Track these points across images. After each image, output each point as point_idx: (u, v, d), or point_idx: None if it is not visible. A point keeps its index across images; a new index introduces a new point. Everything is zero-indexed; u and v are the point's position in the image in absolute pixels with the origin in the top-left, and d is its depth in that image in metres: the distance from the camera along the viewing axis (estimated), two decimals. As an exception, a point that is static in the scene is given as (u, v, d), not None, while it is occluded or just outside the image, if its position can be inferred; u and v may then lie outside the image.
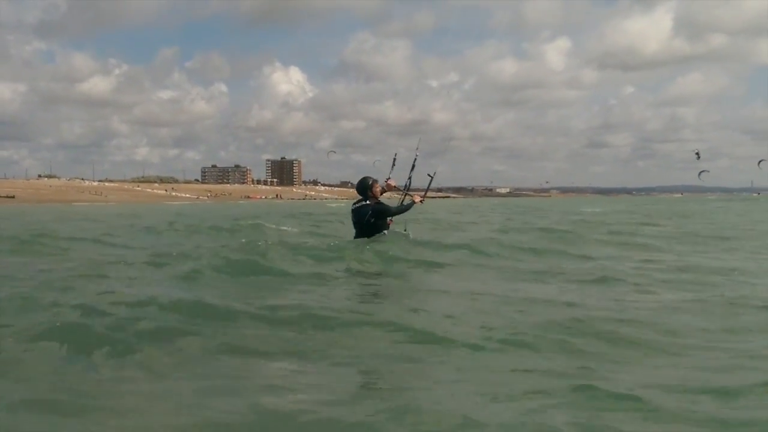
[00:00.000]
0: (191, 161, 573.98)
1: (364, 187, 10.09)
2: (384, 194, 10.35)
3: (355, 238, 10.28)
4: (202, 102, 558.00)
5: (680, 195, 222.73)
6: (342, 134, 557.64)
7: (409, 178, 10.84)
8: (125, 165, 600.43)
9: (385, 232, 10.18)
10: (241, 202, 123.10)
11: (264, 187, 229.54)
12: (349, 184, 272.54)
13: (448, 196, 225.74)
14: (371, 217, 9.94)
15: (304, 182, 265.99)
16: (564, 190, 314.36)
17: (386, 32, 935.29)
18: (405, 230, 10.49)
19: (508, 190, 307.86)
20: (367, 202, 10.04)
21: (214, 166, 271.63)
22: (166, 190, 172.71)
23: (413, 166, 10.91)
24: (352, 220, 10.31)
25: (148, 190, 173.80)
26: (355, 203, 10.29)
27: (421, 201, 10.54)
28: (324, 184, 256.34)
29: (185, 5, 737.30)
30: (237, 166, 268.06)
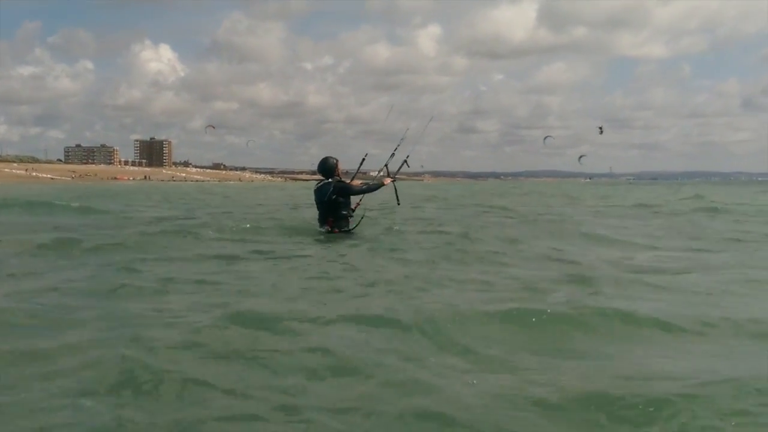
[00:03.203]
0: (54, 140, 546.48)
1: (329, 168, 9.93)
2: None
3: (318, 219, 10.16)
4: (66, 79, 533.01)
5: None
6: (215, 115, 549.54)
7: (386, 165, 10.59)
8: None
9: (351, 218, 10.01)
10: (97, 184, 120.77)
11: (133, 168, 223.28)
12: (222, 166, 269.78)
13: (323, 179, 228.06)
14: (332, 194, 9.72)
15: (175, 164, 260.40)
16: (436, 174, 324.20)
17: (260, 13, 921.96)
18: (359, 220, 10.14)
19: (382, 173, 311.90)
20: (329, 180, 9.86)
21: (78, 146, 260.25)
22: (26, 170, 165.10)
23: (393, 155, 10.62)
24: (315, 200, 10.10)
25: (6, 170, 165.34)
26: (318, 183, 10.06)
27: (392, 180, 10.24)
28: (196, 166, 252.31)
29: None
30: (103, 146, 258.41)
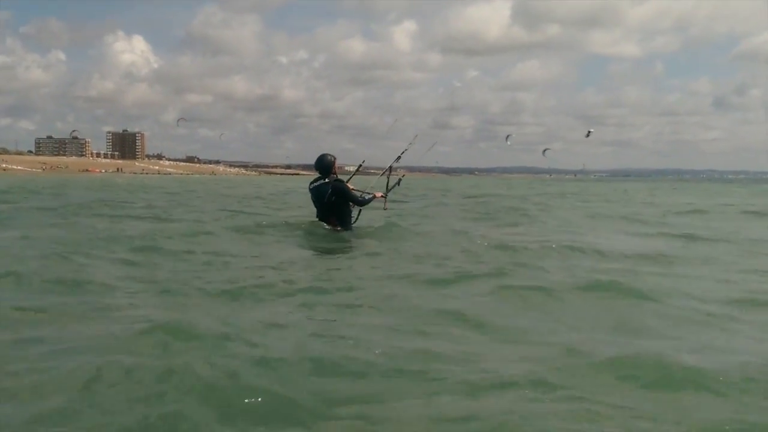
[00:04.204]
0: (25, 131, 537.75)
1: (327, 165, 9.65)
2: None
3: (318, 216, 9.89)
4: (38, 70, 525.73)
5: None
6: (188, 108, 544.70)
7: (390, 167, 10.75)
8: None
9: (353, 222, 9.93)
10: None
11: (105, 160, 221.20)
12: (196, 159, 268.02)
13: (298, 173, 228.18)
14: (332, 195, 9.52)
15: (148, 156, 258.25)
16: (411, 170, 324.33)
17: (235, 6, 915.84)
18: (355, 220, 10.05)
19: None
20: (326, 180, 9.62)
21: (49, 137, 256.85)
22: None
23: (399, 158, 10.85)
24: (312, 198, 9.90)
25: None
26: (312, 181, 9.82)
27: (383, 196, 10.25)
28: (169, 159, 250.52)
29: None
30: (75, 138, 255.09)
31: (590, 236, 10.65)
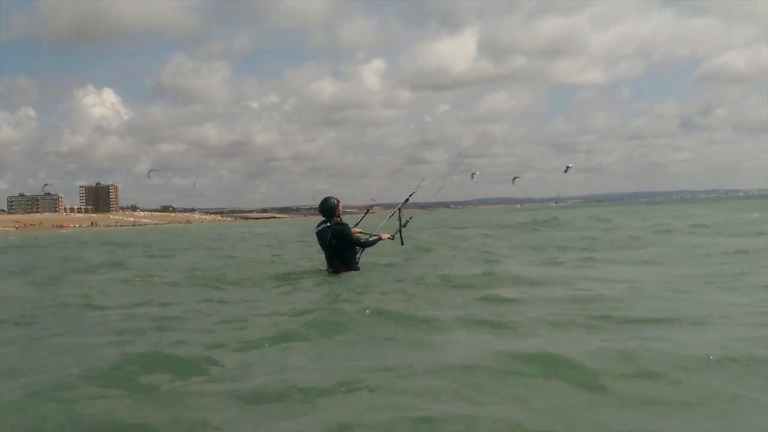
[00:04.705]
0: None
1: (330, 208, 9.75)
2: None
3: (325, 259, 9.98)
4: (7, 128, 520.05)
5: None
6: (161, 158, 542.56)
7: (398, 209, 10.94)
8: None
9: (358, 258, 9.92)
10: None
11: (78, 215, 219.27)
12: (171, 208, 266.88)
13: (274, 217, 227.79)
14: (333, 239, 9.61)
15: (122, 208, 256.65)
16: (387, 207, 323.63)
17: (204, 54, 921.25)
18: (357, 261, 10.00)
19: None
20: (328, 224, 9.72)
21: (21, 195, 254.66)
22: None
23: (407, 200, 11.27)
24: (318, 242, 9.98)
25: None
26: (318, 225, 9.92)
27: (390, 238, 10.26)
28: (144, 209, 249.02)
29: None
30: (47, 194, 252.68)
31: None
